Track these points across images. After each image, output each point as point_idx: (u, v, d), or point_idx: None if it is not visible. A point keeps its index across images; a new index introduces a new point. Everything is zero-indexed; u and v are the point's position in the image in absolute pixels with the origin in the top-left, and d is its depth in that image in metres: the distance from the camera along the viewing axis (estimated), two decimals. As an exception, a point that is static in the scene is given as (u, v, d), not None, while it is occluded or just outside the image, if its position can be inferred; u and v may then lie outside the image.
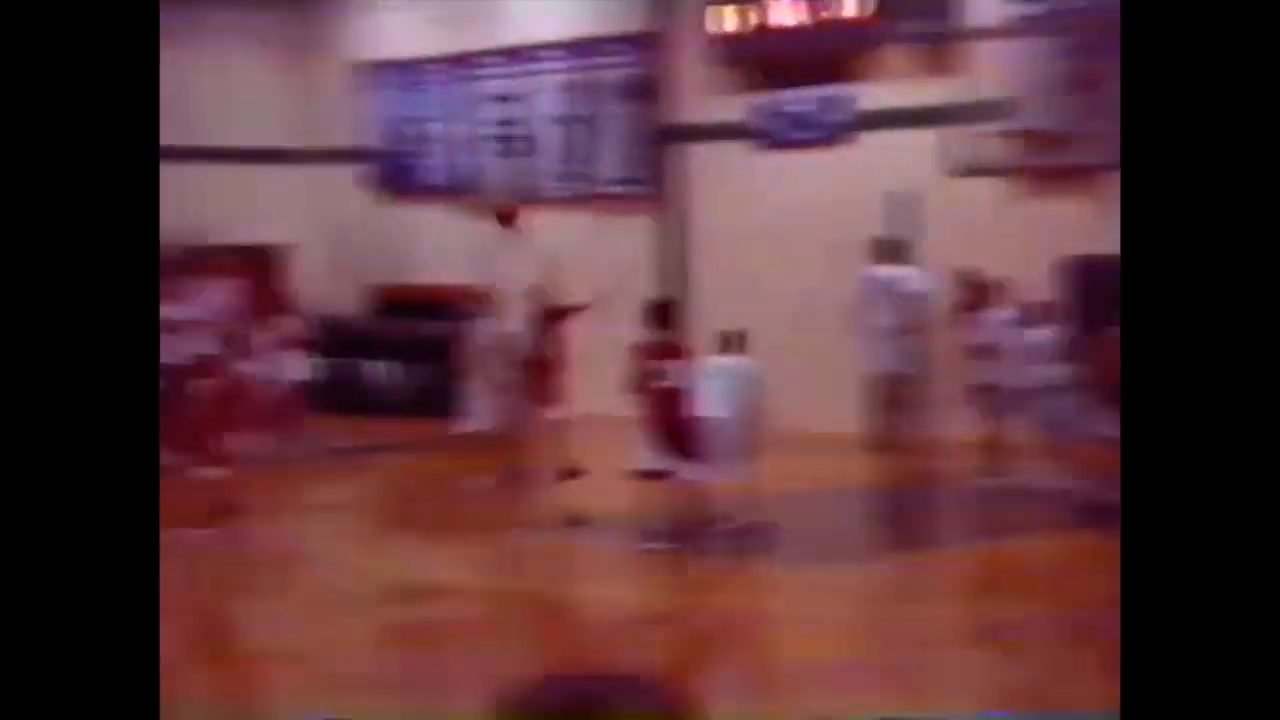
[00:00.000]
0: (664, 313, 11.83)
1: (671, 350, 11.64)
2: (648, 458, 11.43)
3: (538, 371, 13.11)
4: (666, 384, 11.42)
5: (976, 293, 13.38)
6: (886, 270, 14.16)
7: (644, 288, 17.63)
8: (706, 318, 17.47)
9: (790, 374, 14.77)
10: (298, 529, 13.11)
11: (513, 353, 13.61)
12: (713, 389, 11.50)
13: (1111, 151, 13.91)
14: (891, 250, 14.31)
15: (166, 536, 10.79)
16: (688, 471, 11.41)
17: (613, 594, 10.83)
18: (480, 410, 13.60)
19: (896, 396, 13.98)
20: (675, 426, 11.38)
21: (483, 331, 14.30)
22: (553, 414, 12.97)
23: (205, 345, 16.68)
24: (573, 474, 12.66)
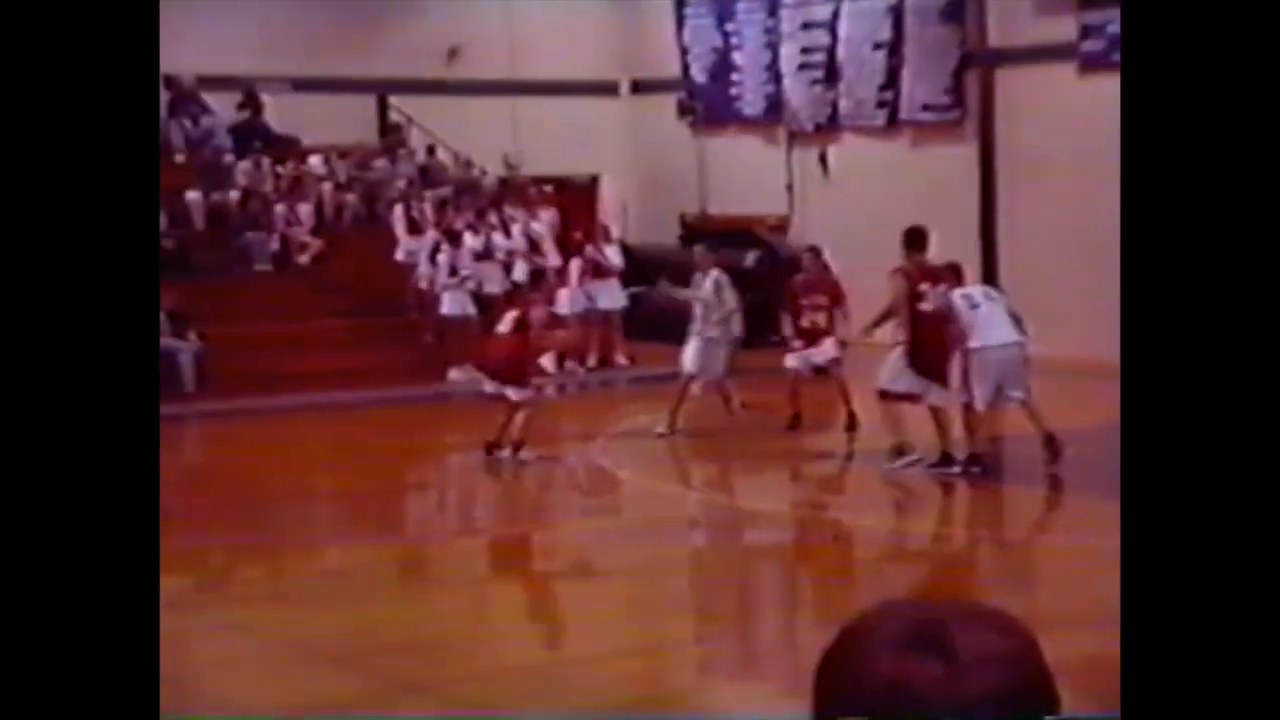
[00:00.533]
0: (921, 238, 11.59)
1: (933, 273, 11.44)
2: (896, 379, 11.33)
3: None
4: (928, 307, 11.25)
5: None
6: None
7: (952, 215, 17.31)
8: (1014, 247, 17.07)
9: (1087, 305, 14.29)
10: (612, 454, 13.47)
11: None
12: (990, 315, 11.24)
13: None
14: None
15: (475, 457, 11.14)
16: (937, 396, 11.25)
17: (914, 525, 10.77)
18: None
19: None
20: (935, 349, 11.21)
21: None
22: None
23: (522, 274, 17.25)
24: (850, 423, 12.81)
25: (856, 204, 18.15)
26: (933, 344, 11.20)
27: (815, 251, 13.95)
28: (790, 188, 19.81)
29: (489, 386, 12.37)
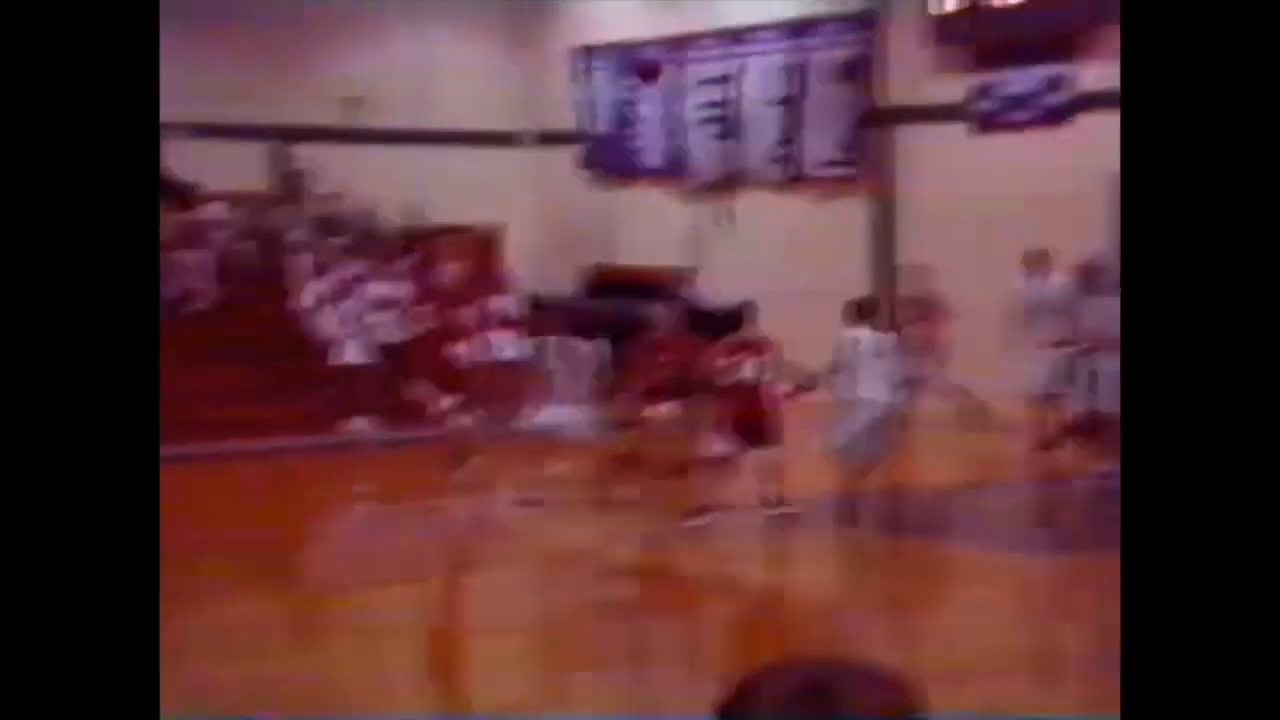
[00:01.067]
0: (738, 313, 11.97)
1: (748, 346, 11.78)
2: (717, 445, 11.70)
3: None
4: (742, 379, 11.63)
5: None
6: (1041, 283, 13.45)
7: (855, 272, 17.55)
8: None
9: (984, 356, 14.52)
10: (509, 504, 13.42)
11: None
12: (867, 371, 11.51)
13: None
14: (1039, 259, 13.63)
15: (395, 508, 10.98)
16: (756, 458, 11.60)
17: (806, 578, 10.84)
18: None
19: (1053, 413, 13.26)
20: (749, 419, 11.58)
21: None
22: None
23: (425, 323, 17.18)
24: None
25: (759, 258, 18.35)
26: (745, 412, 11.56)
27: (674, 306, 14.04)
28: (693, 241, 19.99)
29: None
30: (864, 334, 11.86)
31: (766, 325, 12.69)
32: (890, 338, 12.07)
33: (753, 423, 11.64)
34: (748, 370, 11.73)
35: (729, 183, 19.67)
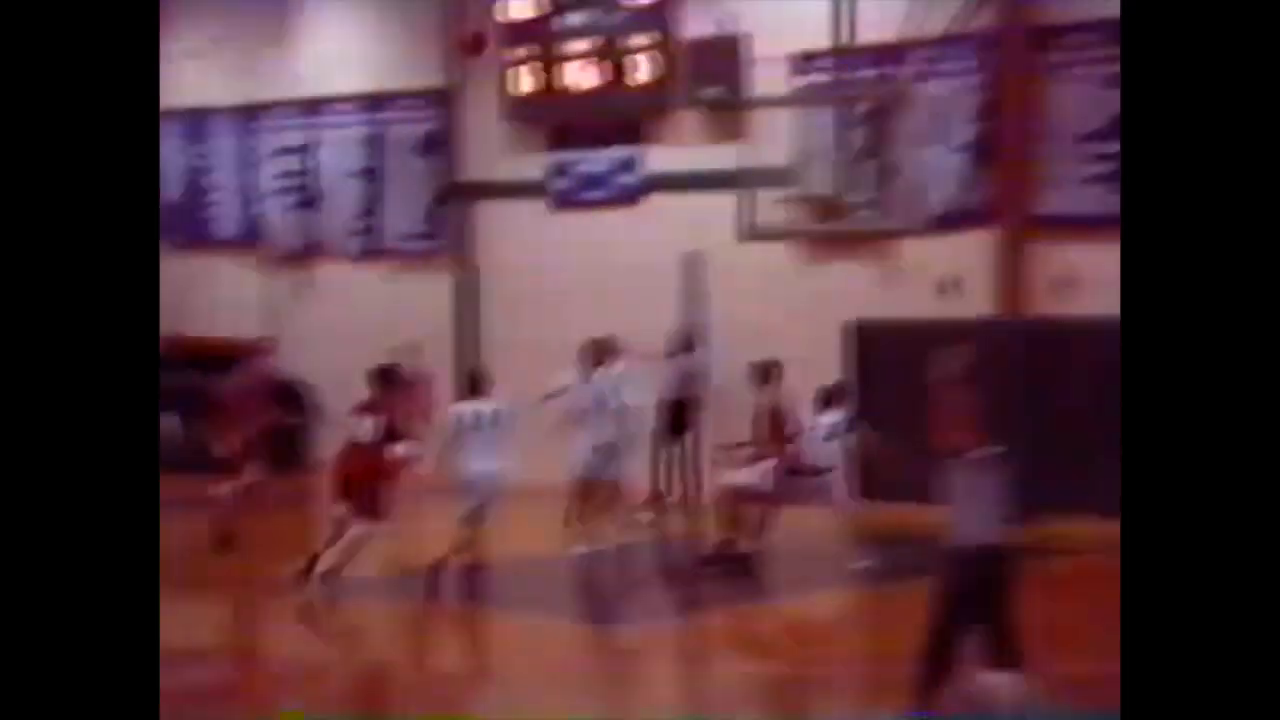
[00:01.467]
0: (384, 375, 12.00)
1: (372, 407, 11.76)
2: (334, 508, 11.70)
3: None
4: (360, 439, 11.59)
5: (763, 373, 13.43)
6: (598, 379, 13.98)
7: (438, 343, 17.58)
8: (498, 373, 17.50)
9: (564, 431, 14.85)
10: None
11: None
12: (474, 441, 11.63)
13: (891, 219, 14.39)
14: (602, 350, 14.25)
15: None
16: (361, 528, 11.52)
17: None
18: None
19: (592, 494, 13.81)
20: (359, 482, 11.52)
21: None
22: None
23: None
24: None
25: (337, 329, 18.11)
26: (356, 475, 11.53)
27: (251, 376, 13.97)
28: (270, 311, 19.53)
29: None
30: (479, 407, 11.96)
31: (346, 398, 12.52)
32: (507, 409, 12.14)
33: (366, 486, 11.45)
34: (367, 430, 11.55)
35: (307, 254, 19.37)
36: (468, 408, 11.97)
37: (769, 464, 12.63)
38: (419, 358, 13.78)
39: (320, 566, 11.50)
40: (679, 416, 14.83)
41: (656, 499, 15.03)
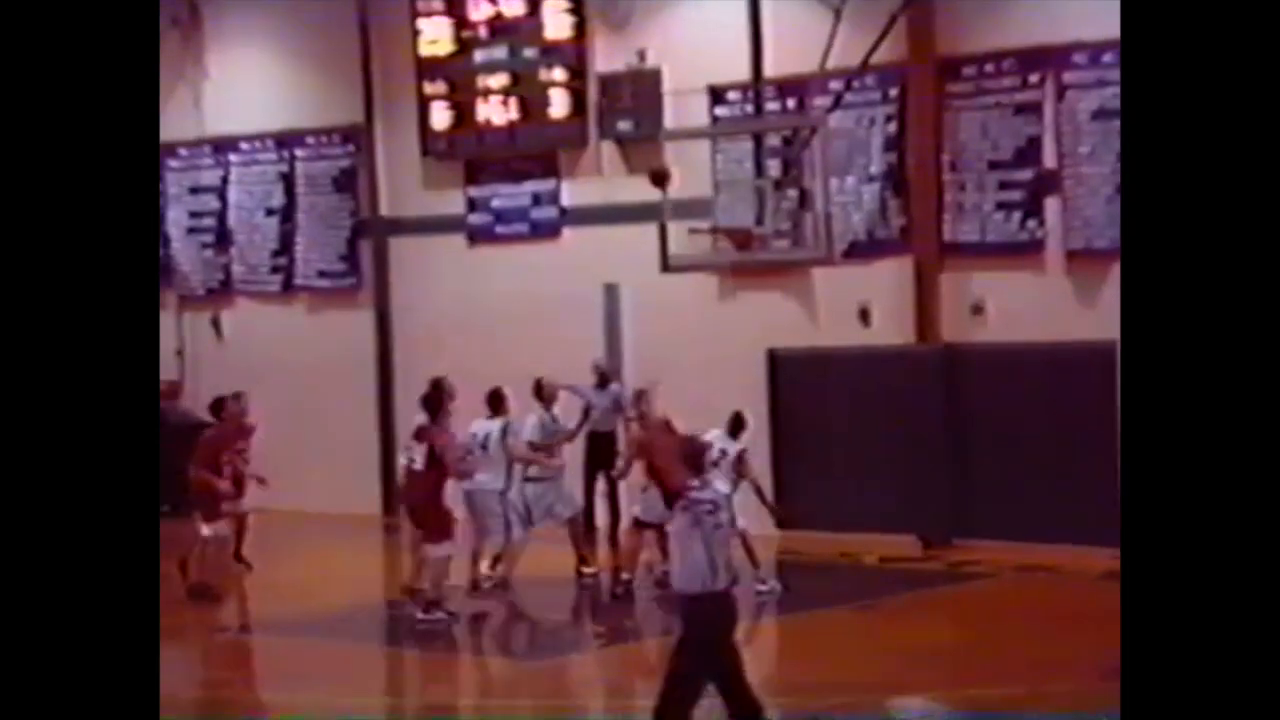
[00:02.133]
0: (426, 401, 12.51)
1: (419, 434, 12.23)
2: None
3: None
4: (415, 467, 12.10)
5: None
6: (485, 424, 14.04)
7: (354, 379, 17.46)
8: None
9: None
10: None
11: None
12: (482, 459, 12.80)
13: (806, 248, 14.51)
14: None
15: None
16: (435, 551, 11.98)
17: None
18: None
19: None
20: (420, 508, 12.18)
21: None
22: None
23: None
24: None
25: (253, 368, 17.92)
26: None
27: (236, 396, 13.93)
28: (180, 352, 19.30)
29: None
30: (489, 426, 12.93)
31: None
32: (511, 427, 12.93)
33: (427, 510, 11.93)
34: (416, 456, 12.00)
35: (219, 293, 19.17)
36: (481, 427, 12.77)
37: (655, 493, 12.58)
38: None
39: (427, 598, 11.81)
40: (605, 449, 14.84)
41: (585, 532, 15.00)
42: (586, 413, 14.61)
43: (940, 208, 14.77)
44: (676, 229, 14.46)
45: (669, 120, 15.67)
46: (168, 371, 19.19)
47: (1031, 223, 14.25)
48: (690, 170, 14.99)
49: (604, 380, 14.99)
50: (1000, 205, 14.48)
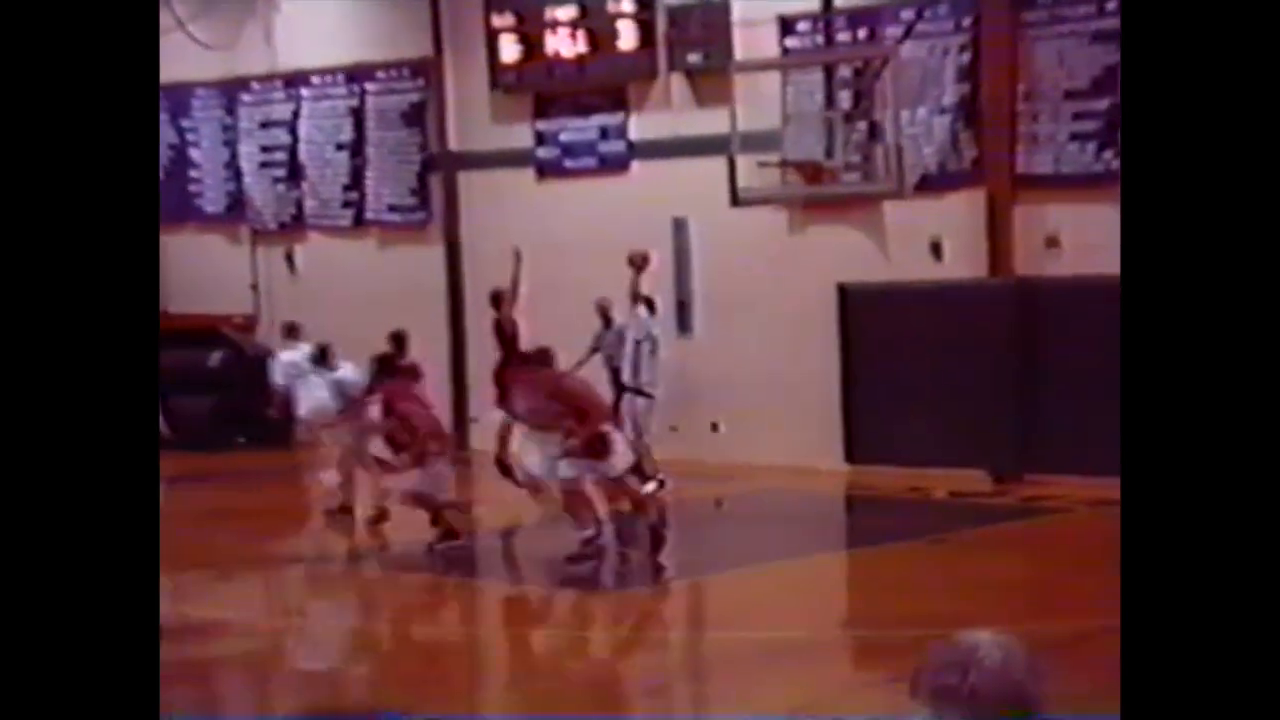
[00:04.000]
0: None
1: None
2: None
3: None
4: None
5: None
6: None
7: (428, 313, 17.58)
8: (483, 342, 17.52)
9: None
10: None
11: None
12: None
13: (877, 181, 14.39)
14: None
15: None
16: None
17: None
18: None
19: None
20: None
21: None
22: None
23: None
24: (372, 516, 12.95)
25: (325, 302, 18.08)
26: None
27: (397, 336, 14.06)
28: (255, 287, 19.49)
29: None
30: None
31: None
32: None
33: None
34: None
35: (292, 228, 19.31)
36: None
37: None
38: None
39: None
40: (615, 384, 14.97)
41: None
42: (593, 351, 14.92)
43: (1014, 139, 14.56)
44: (746, 162, 14.40)
45: (738, 52, 15.53)
46: (243, 305, 19.41)
47: (1107, 153, 14.02)
48: (760, 102, 14.88)
49: (606, 319, 15.14)
50: (1075, 136, 14.25)
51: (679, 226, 16.07)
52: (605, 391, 13.69)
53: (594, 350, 14.94)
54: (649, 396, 14.17)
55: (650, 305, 14.45)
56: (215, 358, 18.71)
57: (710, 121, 15.24)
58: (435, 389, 17.57)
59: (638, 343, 14.17)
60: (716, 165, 14.61)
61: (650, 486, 13.73)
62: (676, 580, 11.73)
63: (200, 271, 19.71)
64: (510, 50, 17.14)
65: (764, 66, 15.42)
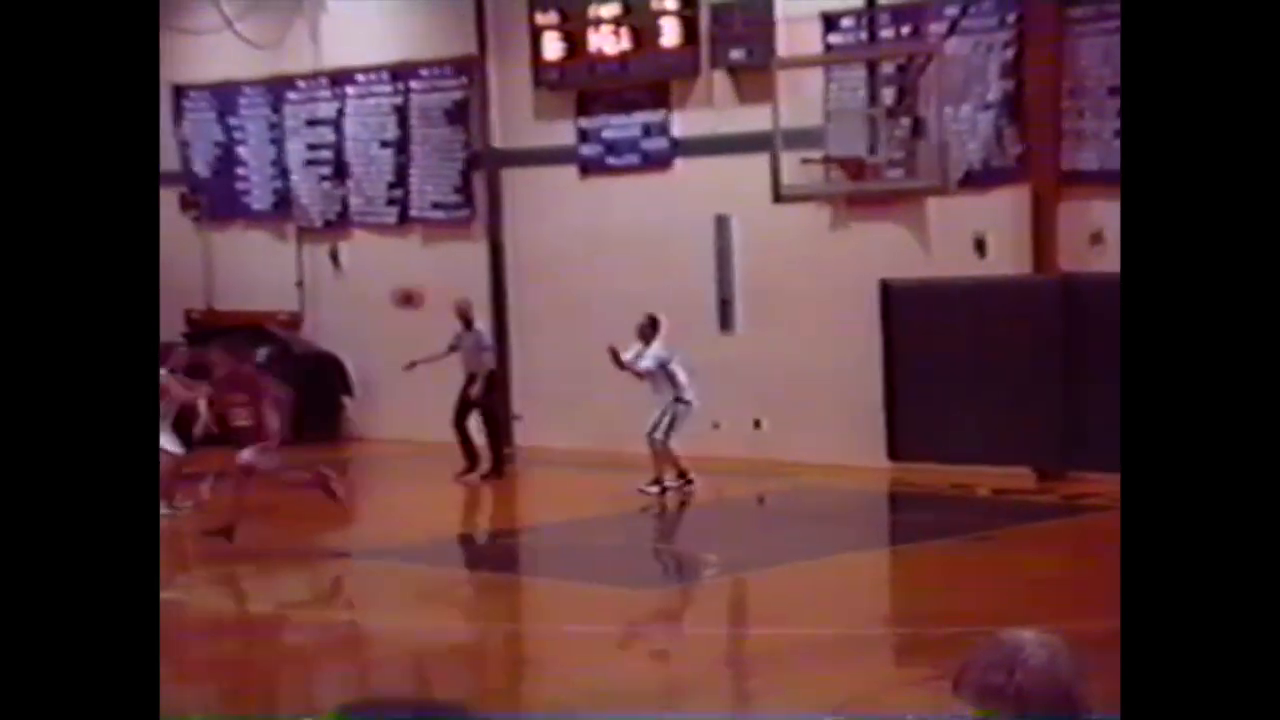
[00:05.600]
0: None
1: None
2: None
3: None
4: None
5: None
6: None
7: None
8: (525, 339, 17.61)
9: (596, 395, 14.93)
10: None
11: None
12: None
13: (920, 177, 14.36)
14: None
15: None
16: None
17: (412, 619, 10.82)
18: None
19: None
20: None
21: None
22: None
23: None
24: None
25: (370, 300, 18.19)
26: None
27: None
28: (301, 284, 19.63)
29: None
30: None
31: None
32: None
33: None
34: None
35: (337, 225, 19.44)
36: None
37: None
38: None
39: None
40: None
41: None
42: (452, 350, 15.45)
43: (1059, 135, 14.50)
44: (789, 159, 14.40)
45: (781, 48, 15.53)
46: (289, 302, 19.55)
47: (1153, 150, 13.92)
48: (802, 99, 14.88)
49: (468, 322, 15.55)
50: (1120, 132, 14.18)
51: (721, 223, 16.08)
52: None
53: (451, 349, 15.37)
54: (689, 403, 14.32)
55: (655, 326, 14.43)
56: (262, 354, 18.85)
57: (753, 118, 15.24)
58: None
59: (662, 366, 14.27)
60: (759, 162, 14.60)
61: (654, 488, 13.95)
62: (719, 576, 11.75)
63: (247, 269, 19.88)
64: (554, 48, 17.19)
65: (807, 63, 15.41)
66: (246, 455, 12.16)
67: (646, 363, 14.12)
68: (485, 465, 15.35)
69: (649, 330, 14.23)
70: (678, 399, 14.17)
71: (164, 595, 11.24)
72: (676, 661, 9.71)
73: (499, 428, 15.84)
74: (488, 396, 15.55)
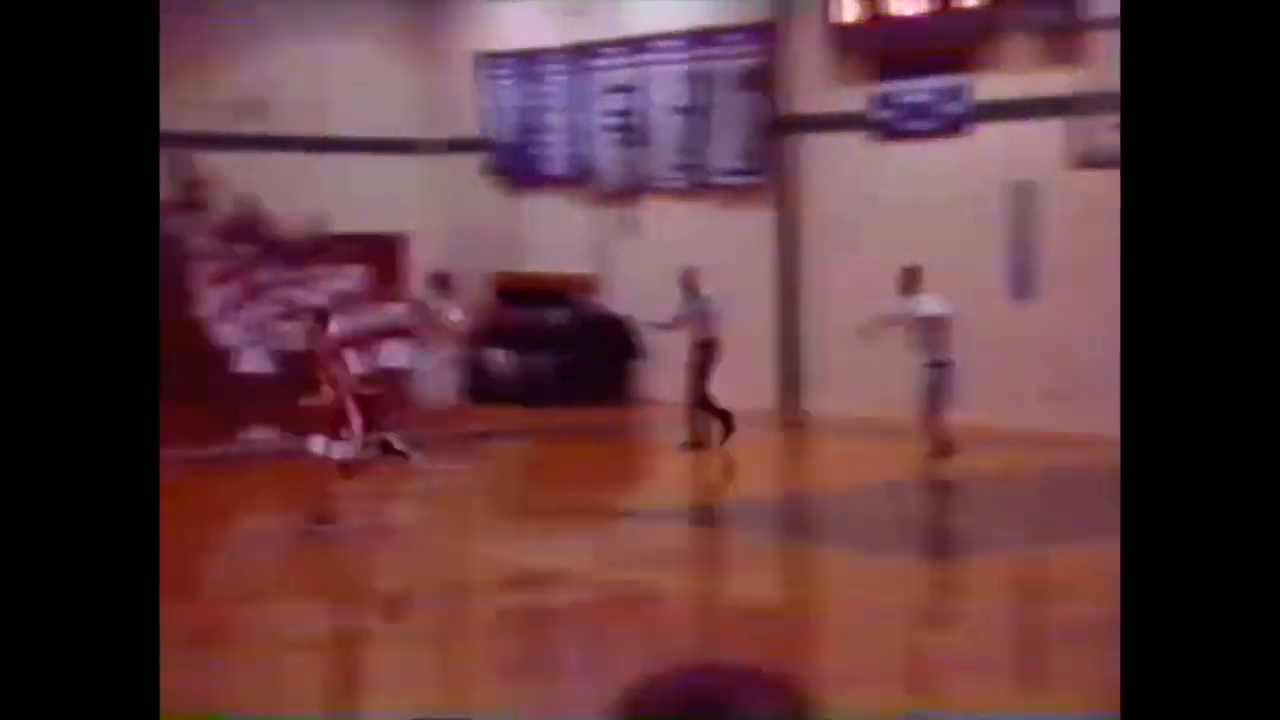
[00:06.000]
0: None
1: None
2: None
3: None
4: None
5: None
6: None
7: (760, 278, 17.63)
8: (817, 307, 17.47)
9: (884, 365, 14.68)
10: (413, 516, 13.30)
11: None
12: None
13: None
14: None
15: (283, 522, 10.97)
16: None
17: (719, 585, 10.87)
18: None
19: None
20: None
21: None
22: None
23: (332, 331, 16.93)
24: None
25: (663, 265, 18.38)
26: None
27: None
28: (599, 248, 19.98)
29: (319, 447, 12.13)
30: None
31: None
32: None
33: None
34: None
35: (634, 190, 19.68)
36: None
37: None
38: None
39: None
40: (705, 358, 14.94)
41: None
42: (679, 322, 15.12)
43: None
44: (1093, 124, 13.83)
45: (1091, 8, 14.89)
46: (586, 266, 19.93)
47: None
48: (1110, 62, 14.23)
49: (694, 289, 15.08)
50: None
51: (1020, 189, 15.59)
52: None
53: (680, 321, 15.10)
54: (945, 365, 13.83)
55: (916, 277, 14.00)
56: (559, 316, 19.29)
57: (1057, 82, 14.70)
58: (762, 351, 17.68)
59: (936, 319, 13.78)
60: (1053, 127, 14.09)
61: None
62: (1005, 551, 11.45)
63: (547, 233, 20.33)
64: (851, 10, 16.94)
65: (1118, 24, 14.74)
66: (337, 451, 12.16)
67: (929, 308, 13.73)
68: (721, 431, 15.18)
69: (911, 281, 13.82)
70: (936, 362, 13.69)
71: (474, 548, 11.66)
72: (957, 637, 9.50)
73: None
74: (711, 364, 15.34)
